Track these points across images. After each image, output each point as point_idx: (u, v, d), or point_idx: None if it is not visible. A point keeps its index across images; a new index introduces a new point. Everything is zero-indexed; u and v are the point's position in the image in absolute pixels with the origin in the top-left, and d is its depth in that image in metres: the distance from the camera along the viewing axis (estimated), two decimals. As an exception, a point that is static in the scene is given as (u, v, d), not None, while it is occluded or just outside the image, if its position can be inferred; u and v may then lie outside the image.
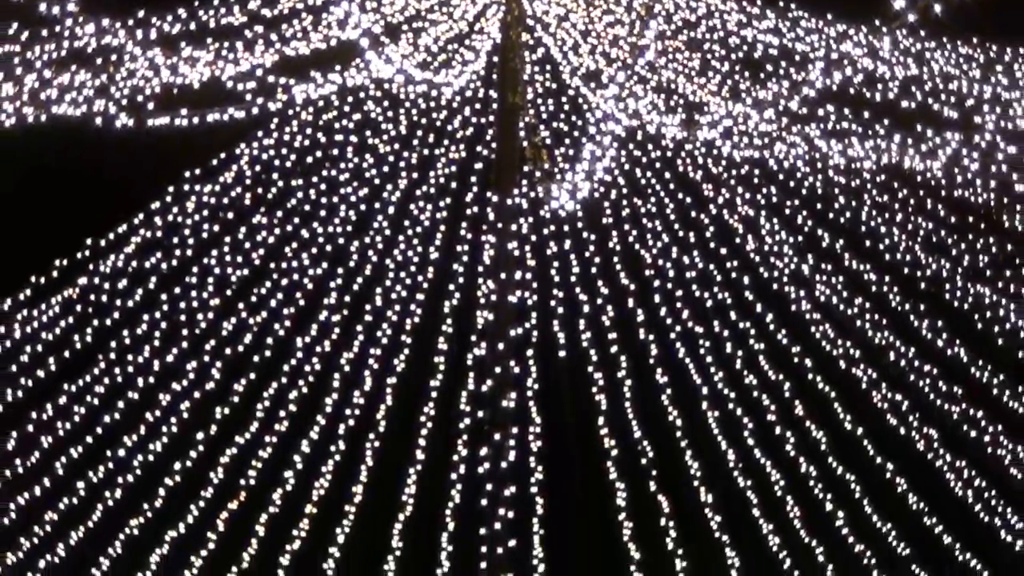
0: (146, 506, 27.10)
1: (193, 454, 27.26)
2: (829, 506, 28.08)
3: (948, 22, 24.36)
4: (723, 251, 28.44)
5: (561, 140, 27.40)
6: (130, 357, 27.10)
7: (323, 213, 27.87)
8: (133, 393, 27.06)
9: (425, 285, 28.04)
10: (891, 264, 27.88)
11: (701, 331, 28.42)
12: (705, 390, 28.32)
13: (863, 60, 24.24)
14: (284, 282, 27.87)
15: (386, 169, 27.90)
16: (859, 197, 27.77)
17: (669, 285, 28.46)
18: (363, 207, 27.97)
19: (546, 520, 26.79)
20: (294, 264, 27.92)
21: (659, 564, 27.55)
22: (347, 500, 27.54)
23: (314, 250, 27.93)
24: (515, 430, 25.17)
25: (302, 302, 27.92)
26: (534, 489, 26.49)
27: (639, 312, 28.27)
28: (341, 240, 27.99)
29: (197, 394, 27.44)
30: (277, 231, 27.81)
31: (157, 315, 27.28)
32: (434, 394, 27.47)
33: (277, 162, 27.55)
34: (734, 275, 28.44)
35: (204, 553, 27.18)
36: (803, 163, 27.10)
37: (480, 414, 25.69)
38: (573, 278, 28.16)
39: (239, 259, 27.63)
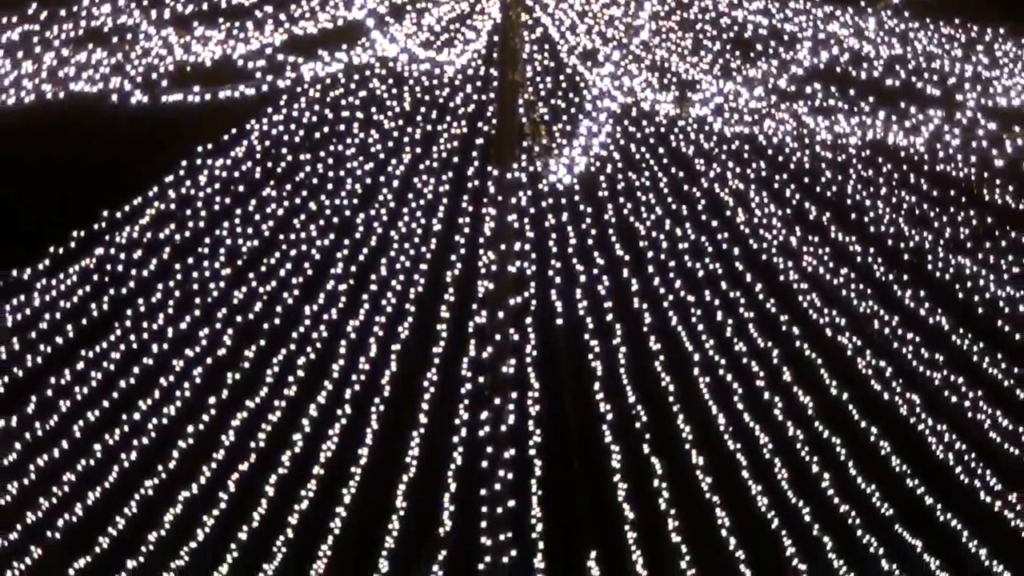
0: (160, 467, 27.25)
1: (205, 417, 27.34)
2: (815, 468, 28.09)
3: (931, 3, 24.84)
4: (714, 223, 28.42)
5: (559, 116, 27.39)
6: (145, 324, 27.18)
7: (330, 186, 27.87)
8: (148, 359, 27.15)
9: (428, 255, 28.03)
10: (875, 236, 27.91)
11: (693, 300, 28.36)
12: (697, 357, 28.31)
13: (849, 40, 24.54)
14: (293, 252, 27.91)
15: (391, 144, 27.86)
16: (845, 171, 27.81)
17: (662, 256, 28.45)
18: (368, 180, 27.94)
19: (544, 481, 26.82)
20: (302, 235, 27.92)
21: (652, 523, 27.55)
22: (353, 462, 27.66)
23: (321, 222, 27.93)
24: (514, 395, 25.36)
25: (310, 272, 27.94)
26: (532, 451, 26.53)
27: (633, 281, 28.25)
28: (347, 212, 27.96)
29: (209, 360, 27.50)
30: (286, 203, 27.79)
31: (171, 284, 27.34)
32: (436, 360, 27.42)
33: (286, 137, 27.53)
34: (725, 246, 28.42)
35: (216, 512, 27.34)
36: (791, 139, 27.13)
37: (481, 380, 25.84)
38: (570, 249, 28.14)
39: (249, 230, 27.65)
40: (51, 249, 26.57)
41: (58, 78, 22.89)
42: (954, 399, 28.14)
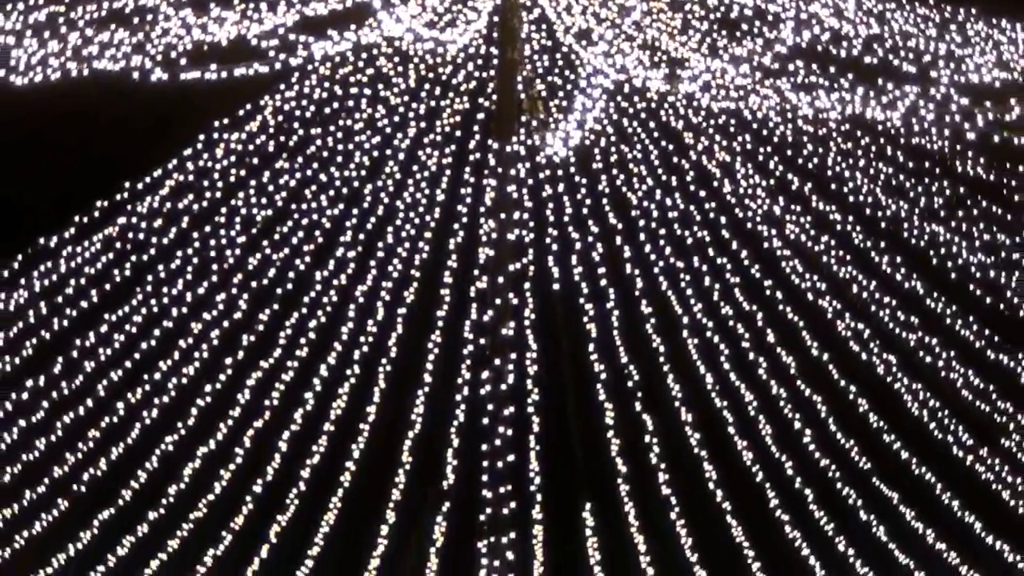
0: (179, 424, 27.44)
1: (222, 377, 27.46)
2: (798, 424, 28.27)
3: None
4: (702, 193, 28.39)
5: (555, 93, 27.37)
6: (165, 289, 27.25)
7: (339, 159, 27.85)
8: (167, 321, 27.29)
9: (432, 224, 28.03)
10: (854, 205, 27.97)
11: (682, 266, 28.39)
12: (685, 319, 28.37)
13: (829, 20, 24.81)
14: (304, 221, 27.92)
15: (396, 119, 27.85)
16: (825, 144, 27.82)
17: (653, 224, 28.44)
18: (375, 153, 27.92)
19: (541, 437, 27.04)
20: (313, 205, 27.93)
21: (643, 477, 27.79)
22: (361, 419, 27.83)
23: (331, 192, 27.92)
24: (513, 356, 25.58)
25: (320, 239, 27.99)
26: (531, 409, 26.73)
27: (626, 249, 28.30)
28: (356, 183, 27.96)
29: (225, 323, 27.60)
30: (298, 175, 27.80)
31: (189, 251, 27.40)
32: (440, 323, 27.55)
33: (297, 112, 27.47)
34: (712, 215, 28.42)
35: (232, 467, 27.53)
36: (775, 113, 27.12)
37: (482, 341, 26.12)
38: (566, 218, 28.19)
39: (263, 200, 27.66)
40: (76, 218, 26.63)
41: (83, 56, 23.10)
42: (928, 359, 28.27)
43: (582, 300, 28.04)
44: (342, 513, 27.89)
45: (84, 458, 27.06)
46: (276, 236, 27.91)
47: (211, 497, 27.62)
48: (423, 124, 27.99)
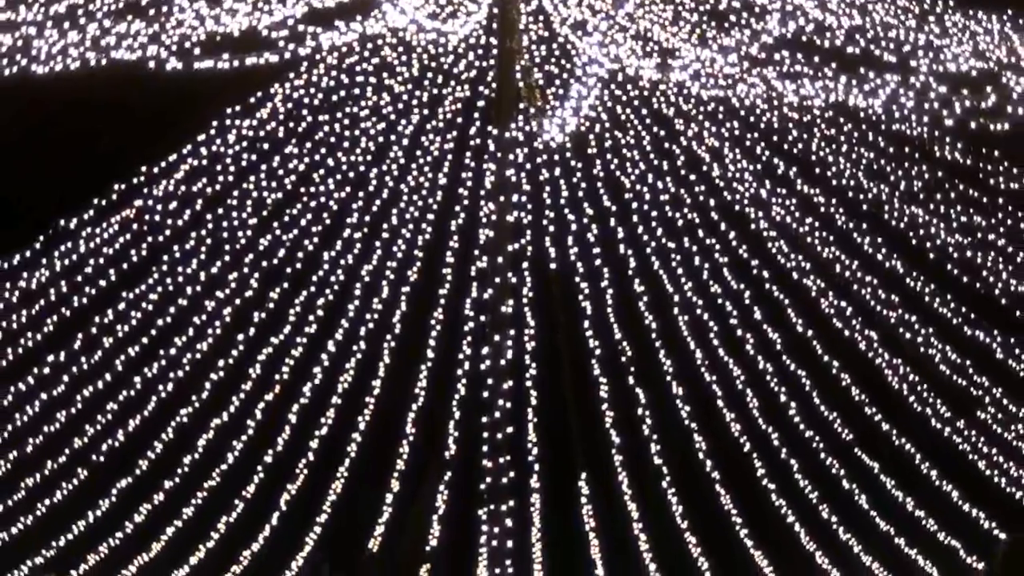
0: (193, 397, 27.51)
1: (234, 352, 27.58)
2: (783, 398, 28.38)
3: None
4: (692, 177, 28.42)
5: (552, 81, 27.33)
6: (180, 268, 27.34)
7: (346, 144, 27.86)
8: (182, 299, 27.37)
9: (434, 206, 28.10)
10: (838, 188, 27.98)
11: (673, 246, 28.43)
12: (676, 297, 28.42)
13: (813, 11, 24.91)
14: (312, 204, 27.99)
15: (400, 106, 27.86)
16: (810, 130, 27.82)
17: (645, 206, 28.49)
18: (380, 139, 27.95)
19: (539, 410, 27.14)
20: (321, 188, 28.00)
21: (636, 448, 27.97)
22: (367, 392, 27.93)
23: (338, 176, 27.99)
24: (512, 332, 25.60)
25: (328, 221, 28.05)
26: (529, 383, 26.82)
27: (620, 230, 28.34)
28: (362, 167, 28.02)
29: (237, 300, 27.72)
30: (306, 160, 27.85)
31: (203, 232, 27.43)
32: (442, 301, 27.66)
33: (306, 100, 27.46)
34: (702, 198, 28.44)
35: (244, 438, 27.65)
36: (762, 101, 27.17)
37: (482, 318, 26.19)
38: (562, 200, 28.23)
39: (273, 184, 27.74)
40: (95, 200, 26.65)
41: (101, 46, 23.29)
42: (908, 335, 28.37)
43: (577, 279, 28.07)
44: (348, 482, 27.95)
45: (103, 429, 27.12)
46: (286, 218, 27.94)
47: (224, 467, 27.71)
48: (426, 111, 27.97)
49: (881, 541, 28.36)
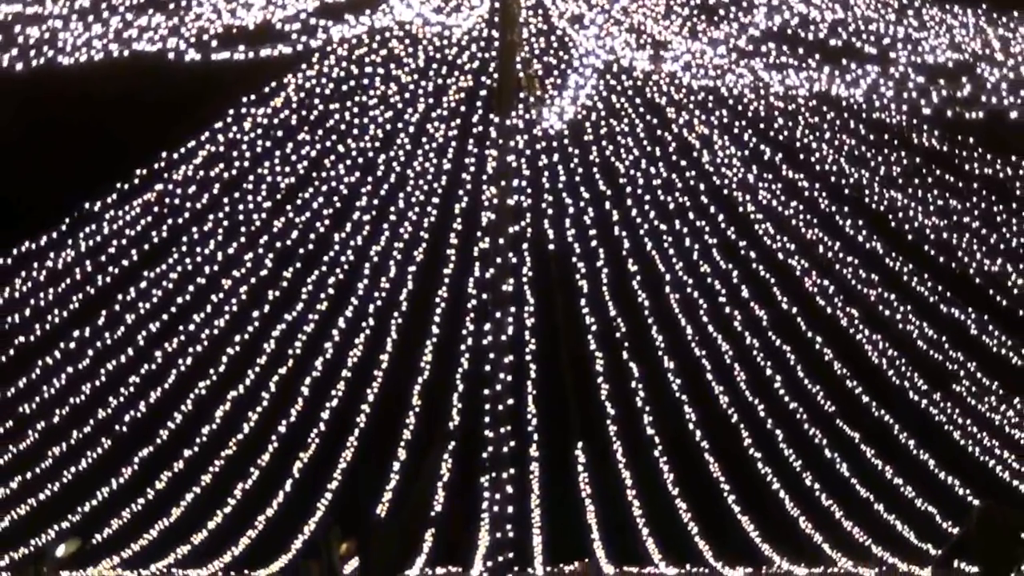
0: (211, 371, 27.73)
1: (250, 328, 27.77)
2: (769, 371, 28.75)
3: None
4: (683, 163, 28.56)
5: (551, 72, 27.45)
6: (198, 249, 27.45)
7: (355, 131, 27.92)
8: (200, 278, 27.47)
9: (439, 190, 28.35)
10: (821, 173, 28.08)
11: (665, 228, 28.68)
12: (668, 276, 28.66)
13: (798, 5, 24.76)
14: (323, 188, 28.12)
15: (407, 95, 27.97)
16: (795, 118, 27.87)
17: (639, 191, 28.65)
18: (388, 127, 28.05)
19: (538, 383, 27.49)
20: (332, 173, 28.12)
21: (630, 418, 28.38)
22: (375, 366, 28.26)
23: (348, 162, 28.12)
24: (512, 309, 25.51)
25: (338, 204, 28.19)
26: (528, 358, 27.06)
27: (614, 213, 28.56)
28: (370, 153, 28.17)
29: (253, 279, 27.86)
30: (318, 146, 27.91)
31: (220, 215, 27.52)
32: (446, 280, 27.91)
33: (317, 89, 27.50)
34: (692, 182, 28.60)
35: (259, 409, 27.96)
36: (749, 90, 27.29)
37: (484, 296, 26.21)
38: (560, 185, 28.45)
39: (287, 169, 27.86)
40: (118, 185, 26.66)
41: (123, 39, 23.22)
42: (887, 312, 28.59)
43: (575, 259, 28.28)
44: (357, 452, 28.32)
45: (125, 401, 27.36)
46: (298, 201, 28.07)
47: (239, 437, 28.02)
48: (431, 100, 28.09)
49: (861, 507, 28.73)
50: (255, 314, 27.91)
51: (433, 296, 28.14)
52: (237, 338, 27.84)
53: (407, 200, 28.29)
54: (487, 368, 25.25)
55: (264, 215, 27.96)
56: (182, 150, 27.07)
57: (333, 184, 28.24)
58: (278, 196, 28.04)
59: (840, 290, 28.79)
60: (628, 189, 28.67)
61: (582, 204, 28.46)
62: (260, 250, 28.03)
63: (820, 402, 28.91)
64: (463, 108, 28.21)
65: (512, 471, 24.96)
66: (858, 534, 28.25)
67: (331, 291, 28.21)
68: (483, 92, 27.86)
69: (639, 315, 28.62)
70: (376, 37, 27.24)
